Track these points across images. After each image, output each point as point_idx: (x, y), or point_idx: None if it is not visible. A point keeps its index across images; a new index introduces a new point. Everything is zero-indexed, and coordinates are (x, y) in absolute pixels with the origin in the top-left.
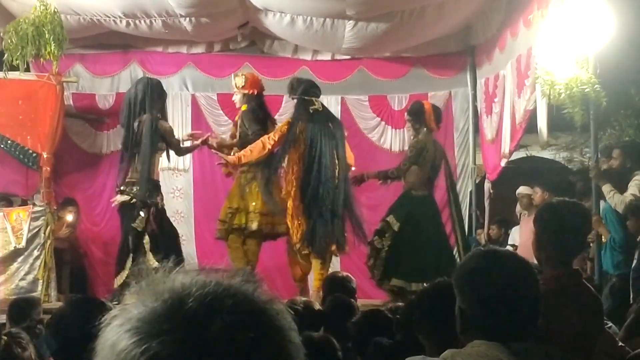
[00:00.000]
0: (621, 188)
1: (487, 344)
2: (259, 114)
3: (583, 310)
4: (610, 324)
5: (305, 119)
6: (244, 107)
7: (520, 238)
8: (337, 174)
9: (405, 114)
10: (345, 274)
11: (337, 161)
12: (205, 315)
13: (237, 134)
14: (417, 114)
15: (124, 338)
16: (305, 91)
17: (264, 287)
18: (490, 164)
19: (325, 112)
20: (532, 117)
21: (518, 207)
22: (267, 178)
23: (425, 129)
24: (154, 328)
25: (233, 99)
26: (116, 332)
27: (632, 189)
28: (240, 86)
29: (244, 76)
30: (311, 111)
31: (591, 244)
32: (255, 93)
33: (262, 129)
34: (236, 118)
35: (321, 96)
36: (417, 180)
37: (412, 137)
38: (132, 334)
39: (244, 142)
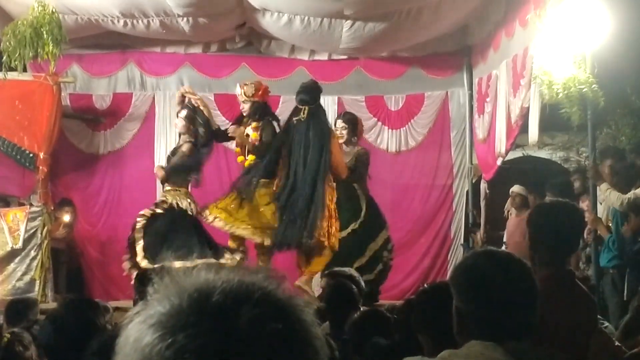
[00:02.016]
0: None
1: (484, 344)
2: (275, 122)
3: (575, 309)
4: (606, 323)
5: (284, 130)
6: (254, 125)
7: (509, 237)
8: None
9: (340, 121)
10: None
11: (302, 169)
12: (233, 307)
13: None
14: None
15: (148, 333)
16: (300, 100)
17: (286, 284)
18: (484, 163)
19: (305, 122)
20: (528, 116)
21: (507, 205)
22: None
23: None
24: (180, 322)
25: (242, 108)
26: (139, 328)
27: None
28: (251, 94)
29: (252, 85)
30: (294, 122)
31: (588, 245)
32: (264, 101)
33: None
34: (245, 126)
35: None
36: None
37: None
38: (157, 328)
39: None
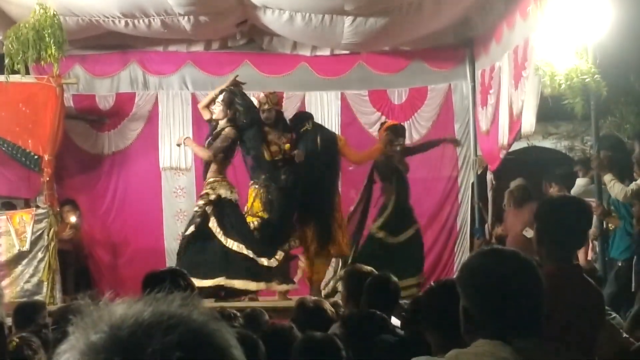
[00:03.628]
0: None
1: (491, 343)
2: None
3: (584, 304)
4: (614, 314)
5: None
6: (287, 146)
7: (510, 229)
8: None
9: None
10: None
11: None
12: (139, 341)
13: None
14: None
15: None
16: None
17: (203, 309)
18: (488, 155)
19: (313, 130)
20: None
21: (506, 197)
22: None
23: None
24: (94, 358)
25: (266, 116)
26: None
27: None
28: (275, 102)
29: (275, 94)
30: (301, 132)
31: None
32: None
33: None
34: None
35: (321, 92)
36: None
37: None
38: None
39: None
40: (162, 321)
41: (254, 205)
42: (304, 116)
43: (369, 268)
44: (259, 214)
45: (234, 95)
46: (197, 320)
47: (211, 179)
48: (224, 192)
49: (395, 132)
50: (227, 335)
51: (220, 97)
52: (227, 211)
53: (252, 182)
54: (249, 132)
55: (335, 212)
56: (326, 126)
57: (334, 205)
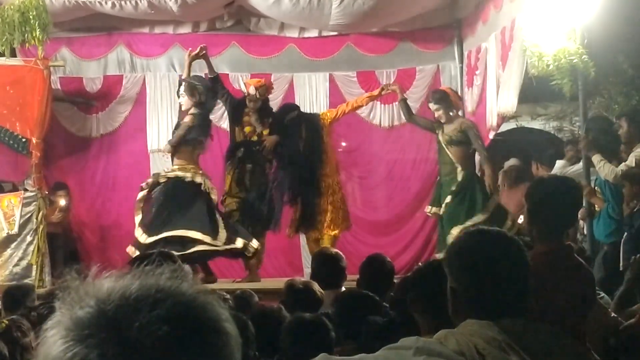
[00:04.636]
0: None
1: (479, 323)
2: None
3: (575, 284)
4: (602, 294)
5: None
6: (266, 131)
7: None
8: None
9: (432, 104)
10: (335, 251)
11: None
12: (126, 315)
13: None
14: (444, 100)
15: (56, 345)
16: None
17: (192, 281)
18: None
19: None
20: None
21: (500, 178)
22: None
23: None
24: (80, 334)
25: (252, 105)
26: (50, 340)
27: (630, 159)
28: (263, 94)
29: (265, 85)
30: (288, 122)
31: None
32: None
33: None
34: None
35: (309, 73)
36: None
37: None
38: (63, 340)
39: None
40: (149, 295)
41: (231, 187)
42: (290, 108)
43: (335, 250)
44: (237, 194)
45: (191, 79)
46: (186, 294)
47: (176, 165)
48: (193, 177)
49: None
50: (218, 309)
51: (181, 88)
52: (178, 192)
53: (226, 163)
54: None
55: (323, 196)
56: (315, 108)
57: (319, 191)
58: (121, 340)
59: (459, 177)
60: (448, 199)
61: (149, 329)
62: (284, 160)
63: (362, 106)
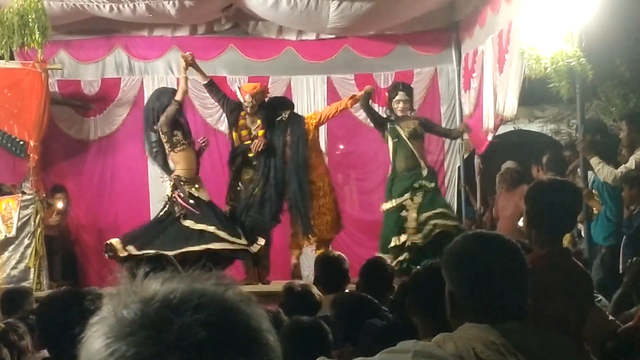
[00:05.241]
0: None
1: (478, 327)
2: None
3: (572, 287)
4: (600, 297)
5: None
6: (261, 132)
7: (501, 212)
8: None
9: (402, 94)
10: (337, 253)
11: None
12: (166, 317)
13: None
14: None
15: (97, 342)
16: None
17: (238, 289)
18: (474, 138)
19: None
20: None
21: (498, 180)
22: None
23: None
24: (121, 331)
25: (248, 111)
26: (93, 337)
27: (630, 162)
28: (260, 100)
29: (261, 91)
30: (276, 124)
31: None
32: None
33: None
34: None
35: (307, 76)
36: None
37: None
38: (104, 337)
39: None
40: (192, 299)
41: (232, 192)
42: (284, 104)
43: (337, 253)
44: (230, 202)
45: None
46: (229, 300)
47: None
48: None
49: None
50: (260, 318)
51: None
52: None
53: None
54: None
55: (313, 200)
56: (312, 110)
57: (307, 195)
58: (159, 341)
59: (424, 173)
60: (419, 197)
61: (187, 333)
62: (270, 166)
63: (346, 109)
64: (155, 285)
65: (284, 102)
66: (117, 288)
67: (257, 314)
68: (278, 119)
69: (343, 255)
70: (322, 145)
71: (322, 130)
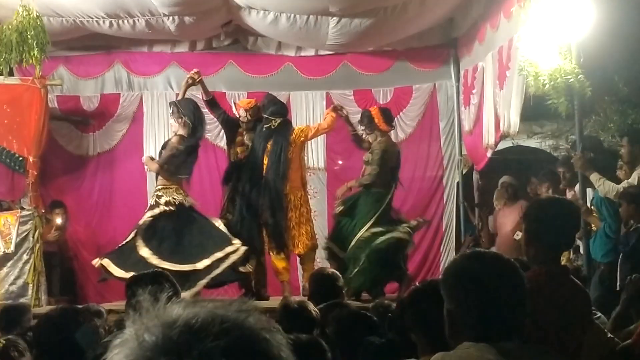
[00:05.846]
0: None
1: (476, 346)
2: None
3: (571, 305)
4: (598, 314)
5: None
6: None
7: (498, 227)
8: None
9: (358, 124)
10: (331, 270)
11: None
12: (187, 342)
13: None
14: (368, 120)
15: None
16: (271, 112)
17: (259, 315)
18: (473, 154)
19: (274, 130)
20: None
21: (496, 196)
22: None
23: (378, 132)
24: (142, 355)
25: (244, 126)
26: (114, 359)
27: (633, 177)
28: (255, 114)
29: (255, 106)
30: (264, 129)
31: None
32: None
33: None
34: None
35: (306, 92)
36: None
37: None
38: None
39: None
40: (214, 325)
41: (226, 208)
42: (278, 111)
43: (331, 270)
44: (227, 215)
45: (176, 105)
46: (250, 327)
47: (159, 186)
48: (172, 198)
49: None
50: (280, 346)
51: (169, 111)
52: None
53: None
54: (193, 139)
55: (289, 212)
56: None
57: (284, 206)
58: None
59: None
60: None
61: (211, 358)
62: (252, 178)
63: (331, 127)
64: (177, 309)
65: (280, 110)
66: (139, 311)
67: (277, 342)
68: (267, 125)
69: (337, 272)
70: (321, 161)
71: (321, 145)
